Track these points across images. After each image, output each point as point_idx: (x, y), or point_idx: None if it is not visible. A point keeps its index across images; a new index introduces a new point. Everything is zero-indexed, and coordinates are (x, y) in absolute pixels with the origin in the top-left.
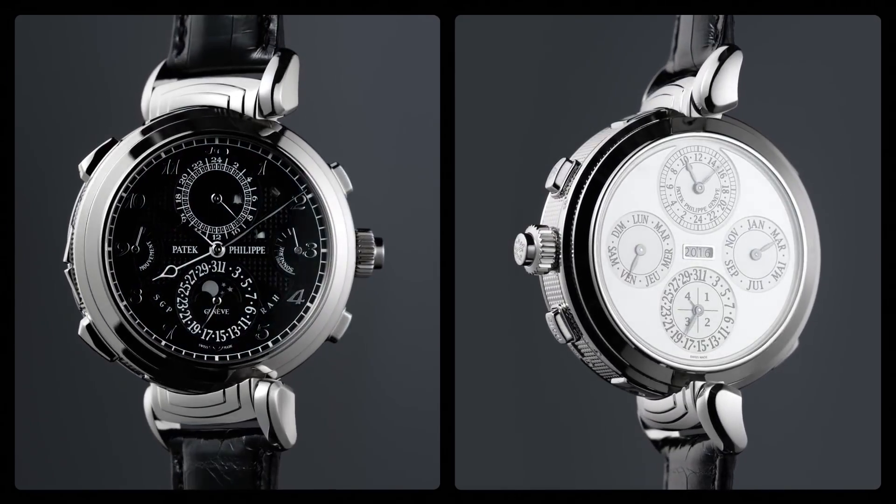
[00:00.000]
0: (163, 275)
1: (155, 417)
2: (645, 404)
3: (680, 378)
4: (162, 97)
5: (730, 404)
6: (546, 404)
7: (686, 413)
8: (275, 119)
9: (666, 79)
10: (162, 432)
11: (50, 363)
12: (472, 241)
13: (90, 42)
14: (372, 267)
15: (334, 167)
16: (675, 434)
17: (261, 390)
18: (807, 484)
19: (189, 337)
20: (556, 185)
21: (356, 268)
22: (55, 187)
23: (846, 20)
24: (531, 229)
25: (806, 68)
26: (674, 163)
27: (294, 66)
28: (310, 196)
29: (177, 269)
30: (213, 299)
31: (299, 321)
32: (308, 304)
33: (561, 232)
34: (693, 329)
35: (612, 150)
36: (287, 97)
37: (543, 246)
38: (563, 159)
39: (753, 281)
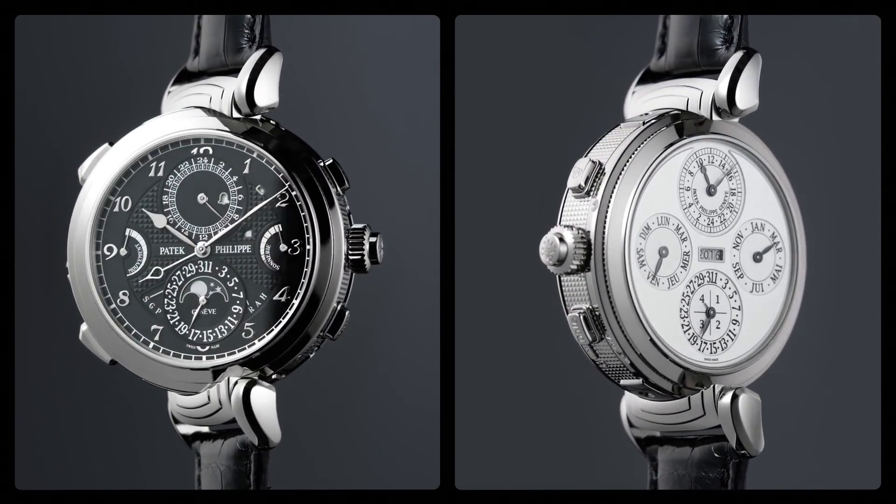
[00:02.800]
0: (149, 276)
1: (176, 421)
2: (640, 403)
3: (691, 379)
4: (175, 102)
5: (751, 407)
6: (547, 404)
7: (703, 415)
8: (256, 117)
9: (650, 78)
10: (184, 437)
11: (50, 363)
12: (473, 240)
13: (91, 43)
14: (365, 262)
15: (328, 164)
16: (658, 434)
17: (238, 389)
18: (807, 484)
19: (176, 338)
20: (581, 186)
21: (348, 263)
22: (54, 188)
23: (846, 20)
24: (561, 230)
25: (805, 68)
26: (690, 165)
27: (274, 62)
28: (294, 193)
29: (163, 270)
30: (200, 299)
31: (284, 318)
32: (293, 301)
33: (593, 233)
34: (707, 332)
35: (638, 150)
36: (263, 94)
37: (576, 247)
38: (587, 160)
39: (756, 283)
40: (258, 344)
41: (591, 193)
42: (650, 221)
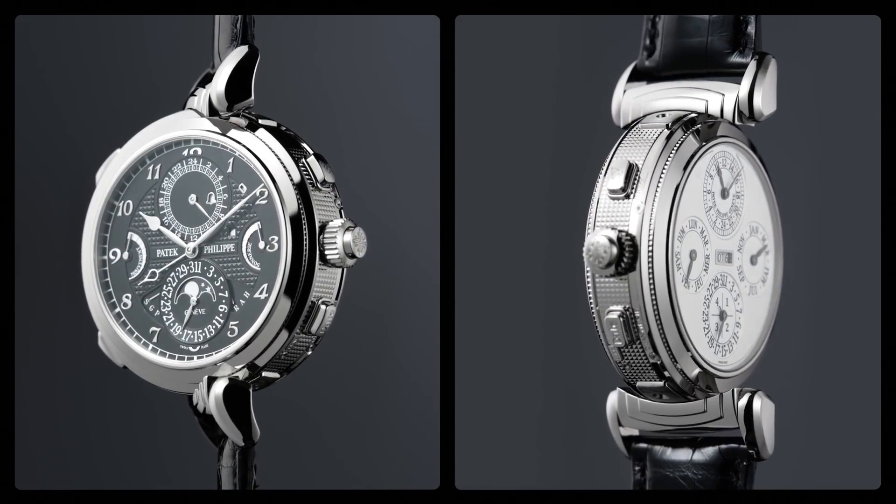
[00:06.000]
0: (146, 279)
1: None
2: (639, 402)
3: (703, 381)
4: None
5: (768, 411)
6: (547, 405)
7: (721, 417)
8: (238, 114)
9: (644, 77)
10: (211, 438)
11: (50, 363)
12: (473, 239)
13: (92, 43)
14: (341, 257)
15: (308, 160)
16: (653, 434)
17: (215, 388)
18: (807, 484)
19: (171, 339)
20: (622, 188)
21: (323, 259)
22: (53, 189)
23: (846, 20)
24: (608, 232)
25: (805, 68)
26: (710, 167)
27: (248, 59)
28: (269, 190)
29: (157, 272)
30: (192, 300)
31: (262, 316)
32: (270, 297)
33: (640, 236)
34: (720, 334)
35: (675, 152)
36: (236, 92)
37: (624, 249)
38: (624, 161)
39: (752, 286)
40: (239, 342)
41: (630, 196)
42: (684, 224)
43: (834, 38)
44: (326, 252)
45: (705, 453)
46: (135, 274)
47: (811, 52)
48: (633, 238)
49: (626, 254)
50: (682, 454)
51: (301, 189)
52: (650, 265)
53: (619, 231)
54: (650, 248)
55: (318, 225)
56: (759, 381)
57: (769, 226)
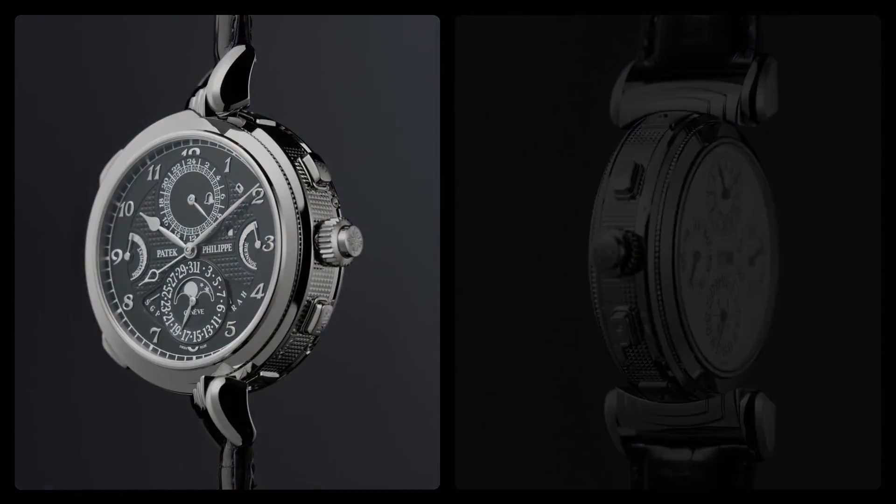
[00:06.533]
0: (146, 280)
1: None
2: (639, 402)
3: (705, 381)
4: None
5: (769, 411)
6: (547, 404)
7: (722, 417)
8: (238, 115)
9: (643, 77)
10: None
11: (51, 363)
12: (473, 239)
13: (93, 43)
14: (336, 256)
15: (303, 159)
16: (652, 434)
17: (212, 388)
18: (807, 484)
19: (171, 339)
20: (629, 188)
21: (318, 258)
22: (56, 190)
23: (846, 20)
24: (616, 232)
25: (805, 68)
26: (713, 168)
27: (243, 59)
28: (265, 189)
29: (157, 272)
30: (191, 300)
31: (258, 315)
32: (266, 297)
33: (649, 236)
34: (721, 334)
35: (680, 153)
36: (230, 92)
37: (632, 250)
38: (631, 161)
39: (751, 286)
40: (236, 342)
41: (636, 196)
42: (688, 225)
43: (834, 38)
44: (321, 251)
45: (705, 453)
46: (136, 274)
47: (811, 52)
48: (640, 239)
49: (633, 254)
50: (682, 454)
51: (297, 189)
52: (657, 266)
53: (626, 231)
54: (657, 249)
55: (313, 224)
56: (758, 381)
57: (765, 226)
